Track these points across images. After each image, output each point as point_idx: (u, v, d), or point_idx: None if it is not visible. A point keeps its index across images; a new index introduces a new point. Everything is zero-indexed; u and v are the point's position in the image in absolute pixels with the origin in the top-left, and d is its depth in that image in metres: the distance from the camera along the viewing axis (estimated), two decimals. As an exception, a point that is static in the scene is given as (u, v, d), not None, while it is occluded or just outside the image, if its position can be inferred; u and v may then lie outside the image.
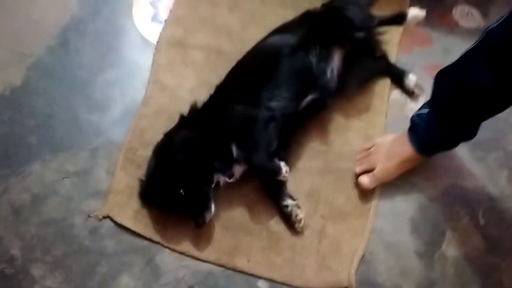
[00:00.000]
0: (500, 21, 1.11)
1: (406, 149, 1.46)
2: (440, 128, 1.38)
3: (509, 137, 1.63)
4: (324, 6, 1.61)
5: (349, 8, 1.54)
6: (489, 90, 1.18)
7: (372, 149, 1.52)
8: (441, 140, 1.43)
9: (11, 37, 1.72)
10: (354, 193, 1.52)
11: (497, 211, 1.53)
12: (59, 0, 1.79)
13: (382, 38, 1.66)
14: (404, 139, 1.47)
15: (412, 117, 1.47)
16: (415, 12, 1.55)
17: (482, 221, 1.51)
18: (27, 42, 1.71)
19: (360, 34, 1.54)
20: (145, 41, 1.73)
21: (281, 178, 1.40)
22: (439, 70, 1.34)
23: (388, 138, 1.52)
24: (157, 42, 1.72)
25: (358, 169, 1.52)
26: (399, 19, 1.57)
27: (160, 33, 1.74)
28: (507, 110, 1.62)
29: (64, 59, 1.69)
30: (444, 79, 1.33)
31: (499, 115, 1.62)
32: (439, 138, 1.42)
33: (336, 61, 1.56)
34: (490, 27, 1.14)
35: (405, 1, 1.81)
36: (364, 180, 1.49)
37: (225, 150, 1.40)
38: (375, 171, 1.49)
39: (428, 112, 1.41)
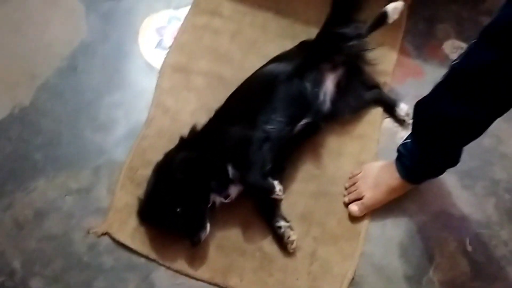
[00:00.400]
0: (461, 57, 1.20)
1: (393, 178, 1.51)
2: (422, 156, 1.44)
3: (496, 166, 1.68)
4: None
5: (337, 27, 1.63)
6: (459, 120, 1.26)
7: (360, 174, 1.58)
8: (425, 168, 1.49)
9: (23, 58, 1.82)
10: (346, 217, 1.57)
11: (484, 238, 1.57)
12: (71, 25, 1.89)
13: (375, 68, 1.74)
14: (391, 167, 1.52)
15: (398, 147, 1.53)
16: (393, 6, 1.61)
17: (469, 248, 1.55)
18: (38, 63, 1.80)
19: (353, 44, 1.60)
20: (149, 66, 1.82)
21: (274, 196, 1.45)
22: (416, 101, 1.41)
23: (376, 165, 1.58)
24: (161, 67, 1.80)
25: (347, 199, 1.57)
26: (382, 19, 1.64)
27: (165, 59, 1.82)
28: (494, 140, 1.71)
29: (72, 81, 1.77)
30: (420, 110, 1.40)
31: (486, 145, 1.71)
32: (423, 166, 1.48)
33: (328, 85, 1.63)
34: (453, 63, 1.22)
35: (399, 32, 1.90)
36: (354, 208, 1.54)
37: (221, 171, 1.46)
38: (363, 200, 1.54)
39: (411, 142, 1.47)
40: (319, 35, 1.68)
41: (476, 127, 1.29)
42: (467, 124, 1.27)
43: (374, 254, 1.53)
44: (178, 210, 1.41)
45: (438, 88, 1.30)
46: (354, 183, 1.58)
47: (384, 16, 1.63)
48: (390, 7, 1.61)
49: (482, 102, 1.20)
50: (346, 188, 1.60)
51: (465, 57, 1.18)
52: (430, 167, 1.48)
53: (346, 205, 1.57)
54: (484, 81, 1.14)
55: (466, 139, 1.35)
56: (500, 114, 1.22)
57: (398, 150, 1.52)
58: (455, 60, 1.22)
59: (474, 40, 1.15)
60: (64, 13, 1.91)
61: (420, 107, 1.39)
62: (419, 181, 1.55)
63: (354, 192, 1.56)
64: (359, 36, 1.62)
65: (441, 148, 1.41)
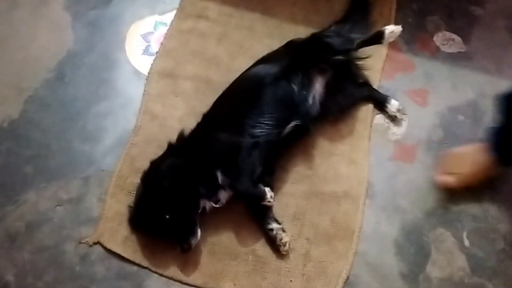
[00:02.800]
0: None
1: (486, 159, 1.52)
2: None
3: (491, 159, 1.65)
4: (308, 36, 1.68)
5: (329, 35, 1.62)
6: None
7: (456, 155, 1.60)
8: None
9: (10, 72, 1.82)
10: (339, 216, 1.55)
11: (482, 232, 1.55)
12: (57, 35, 1.89)
13: (365, 64, 1.71)
14: (484, 150, 1.53)
15: (488, 131, 1.55)
16: (391, 28, 1.59)
17: (466, 242, 1.53)
18: (25, 76, 1.80)
19: (340, 58, 1.59)
20: (137, 73, 1.81)
21: (265, 203, 1.45)
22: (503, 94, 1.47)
23: (470, 148, 1.59)
24: (149, 74, 1.80)
25: (441, 170, 1.60)
26: (377, 38, 1.60)
27: (152, 65, 1.81)
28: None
29: (59, 92, 1.77)
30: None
31: (482, 137, 1.67)
32: None
33: (317, 88, 1.61)
34: None
35: (389, 25, 1.87)
36: (447, 178, 1.58)
37: (210, 177, 1.45)
38: (458, 175, 1.57)
39: (503, 127, 1.49)
40: (308, 38, 1.65)
41: None
42: None
43: (369, 252, 1.51)
44: (167, 217, 1.40)
45: None
46: (450, 161, 1.60)
47: (380, 36, 1.59)
48: (388, 29, 1.58)
49: None
50: (440, 163, 1.63)
51: None
52: None
53: (436, 178, 1.60)
54: None
55: None
56: None
57: (489, 135, 1.54)
58: None
59: None
60: (49, 24, 1.91)
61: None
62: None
63: (449, 167, 1.60)
64: (348, 51, 1.60)
65: None
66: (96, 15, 1.93)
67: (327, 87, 1.63)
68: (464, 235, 1.54)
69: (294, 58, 1.61)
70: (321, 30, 1.70)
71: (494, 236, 1.54)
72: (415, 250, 1.51)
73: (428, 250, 1.51)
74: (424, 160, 1.65)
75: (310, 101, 1.58)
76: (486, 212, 1.57)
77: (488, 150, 1.51)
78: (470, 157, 1.57)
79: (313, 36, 1.66)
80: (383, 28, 1.59)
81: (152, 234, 1.47)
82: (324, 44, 1.59)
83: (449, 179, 1.58)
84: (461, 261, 1.50)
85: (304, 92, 1.57)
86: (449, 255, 1.51)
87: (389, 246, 1.52)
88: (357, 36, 1.62)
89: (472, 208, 1.58)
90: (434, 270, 1.48)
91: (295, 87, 1.57)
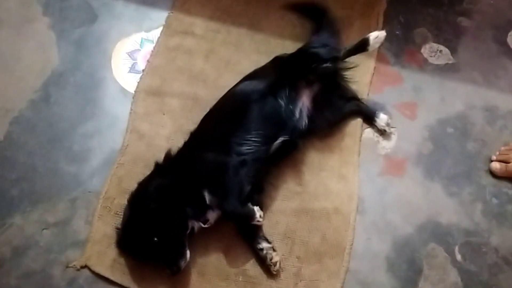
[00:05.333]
0: None
1: None
2: None
3: (481, 172, 1.65)
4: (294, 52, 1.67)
5: (315, 46, 1.61)
6: None
7: None
8: None
9: (-5, 93, 1.79)
10: (329, 233, 1.53)
11: (474, 246, 1.54)
12: (42, 55, 1.86)
13: (353, 78, 1.70)
14: None
15: None
16: (375, 34, 1.58)
17: (458, 257, 1.52)
18: (10, 97, 1.77)
19: (328, 66, 1.58)
20: (123, 91, 1.79)
21: (255, 222, 1.43)
22: None
23: None
24: (135, 92, 1.78)
25: (495, 157, 1.66)
26: (363, 45, 1.60)
27: (138, 83, 1.80)
28: (478, 144, 1.68)
29: (45, 112, 1.75)
30: None
31: (470, 149, 1.68)
32: None
33: (304, 101, 1.60)
34: None
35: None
36: (496, 165, 1.64)
37: (197, 197, 1.43)
38: (509, 164, 1.62)
39: None
40: (295, 52, 1.65)
41: None
42: None
43: (360, 270, 1.49)
44: (155, 239, 1.38)
45: None
46: (507, 151, 1.65)
47: (365, 43, 1.59)
48: (372, 35, 1.58)
49: None
50: (499, 151, 1.68)
51: None
52: None
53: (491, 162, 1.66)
54: None
55: None
56: None
57: None
58: None
59: None
60: (34, 43, 1.89)
61: None
62: None
63: (506, 156, 1.64)
64: (335, 60, 1.59)
65: None
66: (82, 33, 1.91)
67: (315, 102, 1.62)
68: (456, 249, 1.53)
69: (280, 73, 1.60)
70: (304, 44, 1.69)
71: (486, 250, 1.53)
72: (407, 266, 1.50)
73: (420, 266, 1.50)
74: (414, 173, 1.64)
75: (297, 115, 1.57)
76: (478, 225, 1.57)
77: None
78: None
79: (299, 49, 1.66)
80: (368, 35, 1.59)
81: (141, 256, 1.45)
82: (311, 54, 1.59)
83: (496, 166, 1.64)
84: (453, 276, 1.49)
85: (291, 107, 1.56)
86: (441, 271, 1.50)
87: (381, 262, 1.51)
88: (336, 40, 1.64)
89: (463, 222, 1.57)
90: (426, 286, 1.47)
91: (282, 102, 1.56)
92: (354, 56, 1.65)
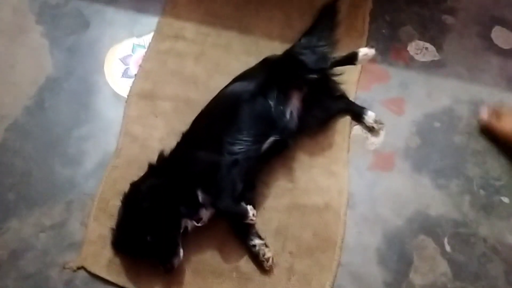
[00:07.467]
0: None
1: None
2: None
3: (468, 164, 1.68)
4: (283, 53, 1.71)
5: (303, 52, 1.63)
6: None
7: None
8: None
9: (-11, 101, 1.83)
10: (321, 228, 1.56)
11: (462, 236, 1.57)
12: (35, 62, 1.90)
13: (341, 77, 1.74)
14: None
15: None
16: (365, 51, 1.63)
17: (447, 248, 1.55)
18: (5, 104, 1.81)
19: (314, 76, 1.61)
20: (116, 95, 1.83)
21: (248, 221, 1.46)
22: None
23: None
24: (128, 96, 1.81)
25: (487, 107, 1.74)
26: (351, 59, 1.65)
27: (131, 87, 1.83)
28: (464, 137, 1.71)
29: (40, 118, 1.78)
30: None
31: (457, 142, 1.72)
32: None
33: (295, 103, 1.63)
34: None
35: (362, 39, 1.92)
36: (484, 111, 1.73)
37: (190, 196, 1.46)
38: (499, 119, 1.69)
39: None
40: (284, 54, 1.68)
41: None
42: None
43: (352, 263, 1.52)
44: (148, 238, 1.40)
45: None
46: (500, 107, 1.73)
47: (353, 57, 1.64)
48: (361, 52, 1.63)
49: None
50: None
51: None
52: None
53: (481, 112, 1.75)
54: None
55: None
56: None
57: None
58: None
59: None
60: (28, 50, 1.93)
61: None
62: None
63: (497, 109, 1.72)
64: (322, 71, 1.63)
65: None
66: (74, 40, 1.95)
67: (304, 102, 1.66)
68: (445, 240, 1.56)
69: (269, 75, 1.63)
70: (293, 44, 1.72)
71: (475, 240, 1.56)
72: (397, 258, 1.53)
73: (410, 257, 1.53)
74: (402, 167, 1.68)
75: (288, 116, 1.61)
76: (466, 216, 1.60)
77: None
78: None
79: (287, 53, 1.68)
80: (357, 50, 1.64)
81: (135, 255, 1.48)
82: (298, 62, 1.61)
83: (484, 111, 1.72)
84: (443, 266, 1.52)
85: (281, 108, 1.60)
86: (431, 262, 1.53)
87: (372, 255, 1.54)
88: (325, 45, 1.64)
89: (452, 213, 1.60)
90: (417, 277, 1.50)
91: (271, 103, 1.59)
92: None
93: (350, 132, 1.74)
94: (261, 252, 1.48)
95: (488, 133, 1.72)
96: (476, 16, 2.01)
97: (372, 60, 1.88)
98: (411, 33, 1.97)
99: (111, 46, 1.93)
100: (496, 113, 1.71)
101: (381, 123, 1.73)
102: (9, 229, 1.59)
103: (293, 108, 1.63)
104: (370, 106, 1.77)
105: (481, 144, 1.72)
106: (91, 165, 1.69)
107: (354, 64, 1.66)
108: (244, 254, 1.52)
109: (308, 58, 1.61)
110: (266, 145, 1.57)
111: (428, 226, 1.58)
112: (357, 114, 1.75)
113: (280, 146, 1.61)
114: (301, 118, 1.64)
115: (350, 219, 1.58)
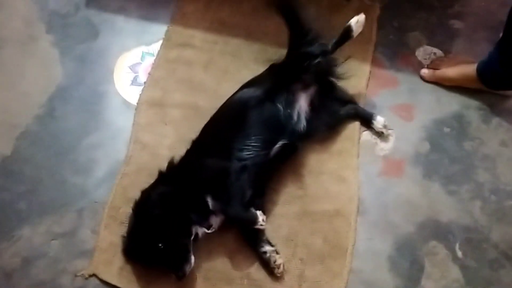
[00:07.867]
0: None
1: (470, 67, 1.74)
2: (502, 59, 1.62)
3: (479, 169, 1.67)
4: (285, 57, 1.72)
5: (301, 46, 1.65)
6: None
7: (447, 57, 1.87)
8: (501, 74, 1.66)
9: (1, 110, 1.85)
10: (331, 234, 1.56)
11: (474, 242, 1.56)
12: (46, 71, 1.92)
13: (349, 83, 1.74)
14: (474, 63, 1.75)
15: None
16: (355, 19, 1.65)
17: (459, 254, 1.54)
18: (17, 113, 1.83)
19: (320, 61, 1.61)
20: (126, 103, 1.84)
21: (258, 226, 1.46)
22: None
23: (466, 59, 1.82)
24: (137, 104, 1.83)
25: (427, 64, 1.87)
26: (347, 33, 1.66)
27: (140, 95, 1.85)
28: (475, 142, 1.71)
29: (50, 126, 1.80)
30: None
31: (468, 148, 1.71)
32: (499, 71, 1.65)
33: (302, 104, 1.64)
34: None
35: (370, 45, 1.92)
36: (424, 71, 1.85)
37: (201, 203, 1.47)
38: (437, 71, 1.82)
39: (495, 48, 1.65)
40: (286, 58, 1.70)
41: None
42: None
43: (363, 270, 1.52)
44: (159, 245, 1.41)
45: None
46: (439, 60, 1.85)
47: (348, 30, 1.65)
48: (353, 21, 1.64)
49: None
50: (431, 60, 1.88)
51: None
52: (505, 74, 1.65)
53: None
54: None
55: None
56: None
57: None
58: None
59: None
60: (38, 60, 1.95)
61: None
62: (491, 84, 1.74)
63: (436, 64, 1.85)
64: (325, 53, 1.64)
65: None
66: (84, 49, 1.96)
67: (312, 105, 1.67)
68: (457, 246, 1.55)
69: (276, 78, 1.65)
70: (288, 48, 1.72)
71: (486, 246, 1.56)
72: (409, 264, 1.52)
73: (422, 263, 1.53)
74: (413, 173, 1.67)
75: (295, 118, 1.61)
76: (477, 222, 1.59)
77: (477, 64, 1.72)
78: (456, 61, 1.81)
79: (289, 53, 1.70)
80: (348, 22, 1.65)
81: (146, 263, 1.49)
82: (302, 54, 1.63)
83: (424, 72, 1.84)
84: (455, 273, 1.51)
85: (289, 110, 1.60)
86: (443, 268, 1.52)
87: (383, 262, 1.53)
88: (315, 34, 1.65)
89: (463, 219, 1.59)
90: (429, 284, 1.49)
91: (280, 107, 1.60)
92: (351, 63, 1.71)
93: (360, 138, 1.74)
94: (272, 259, 1.48)
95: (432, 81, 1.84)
96: (483, 21, 2.01)
97: (381, 65, 1.90)
98: (419, 38, 1.97)
99: (121, 55, 1.95)
100: (435, 65, 1.84)
101: (390, 128, 1.73)
102: (21, 237, 1.60)
103: (301, 111, 1.64)
104: (379, 112, 1.76)
105: (491, 149, 1.71)
106: (101, 173, 1.70)
107: (352, 36, 1.66)
108: (255, 261, 1.53)
109: (309, 48, 1.62)
110: (274, 150, 1.58)
111: (439, 232, 1.57)
112: (366, 119, 1.75)
113: (288, 150, 1.61)
114: (309, 122, 1.65)
115: (361, 225, 1.58)
